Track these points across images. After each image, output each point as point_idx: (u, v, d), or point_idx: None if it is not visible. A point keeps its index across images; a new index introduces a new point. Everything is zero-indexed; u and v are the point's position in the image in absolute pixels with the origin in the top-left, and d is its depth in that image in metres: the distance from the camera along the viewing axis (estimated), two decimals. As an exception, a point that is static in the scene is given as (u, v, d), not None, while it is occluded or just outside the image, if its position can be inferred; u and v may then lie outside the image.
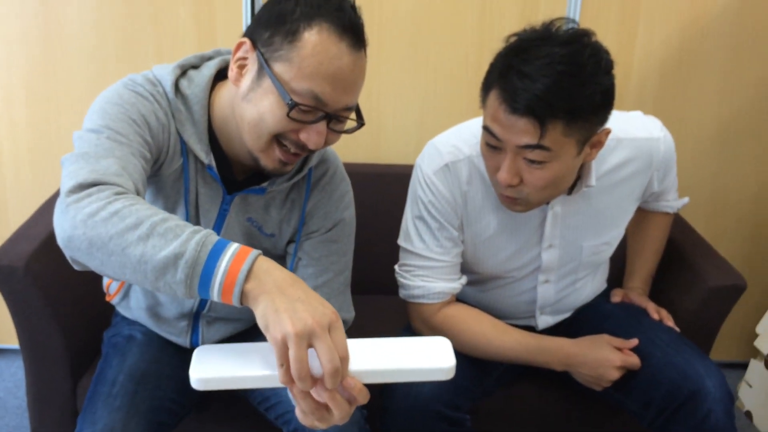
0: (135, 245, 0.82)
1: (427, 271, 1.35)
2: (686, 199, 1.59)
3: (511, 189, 1.21)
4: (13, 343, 2.18)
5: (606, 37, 1.97)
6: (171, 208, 1.15)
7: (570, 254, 1.41)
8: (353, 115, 1.09)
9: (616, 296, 1.56)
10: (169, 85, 1.08)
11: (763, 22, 2.00)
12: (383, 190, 1.78)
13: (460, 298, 1.47)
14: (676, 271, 1.62)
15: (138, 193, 0.94)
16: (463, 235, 1.38)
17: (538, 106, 1.10)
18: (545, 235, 1.38)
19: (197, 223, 1.17)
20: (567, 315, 1.56)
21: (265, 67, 1.01)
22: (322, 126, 1.02)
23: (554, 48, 1.11)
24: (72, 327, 1.48)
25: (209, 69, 1.11)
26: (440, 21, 1.96)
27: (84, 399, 1.43)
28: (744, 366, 2.15)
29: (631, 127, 1.37)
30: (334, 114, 1.03)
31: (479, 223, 1.37)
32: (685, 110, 2.07)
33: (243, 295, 0.81)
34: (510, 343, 1.36)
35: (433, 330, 1.37)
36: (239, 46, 1.05)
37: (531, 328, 1.50)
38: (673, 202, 1.56)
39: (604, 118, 1.18)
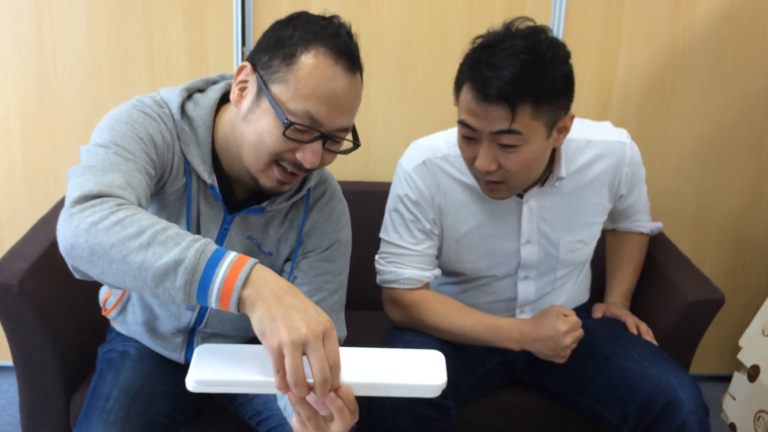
0: (136, 253, 0.85)
1: (399, 258, 1.46)
2: (659, 224, 1.69)
3: (491, 174, 1.31)
4: (6, 360, 2.19)
5: (589, 56, 2.02)
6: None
7: (548, 250, 1.48)
8: (349, 136, 1.13)
9: (598, 311, 1.60)
10: (175, 107, 1.12)
11: (743, 41, 2.04)
12: (371, 208, 1.81)
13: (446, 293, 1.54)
14: (656, 286, 1.65)
15: (141, 206, 0.97)
16: (439, 230, 1.47)
17: (507, 92, 1.21)
18: (522, 230, 1.46)
19: None
20: None
21: (263, 88, 1.06)
22: (317, 146, 1.06)
23: (516, 41, 1.23)
24: (66, 344, 1.50)
25: (214, 92, 1.16)
26: (427, 42, 2.00)
27: (77, 415, 1.45)
28: (728, 379, 2.17)
29: (600, 131, 1.49)
30: (330, 134, 1.07)
31: (456, 217, 1.46)
32: (668, 128, 2.11)
33: (240, 301, 0.84)
34: (471, 323, 1.42)
35: (402, 311, 1.46)
36: (241, 69, 1.10)
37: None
38: (646, 224, 1.66)
39: (567, 103, 1.30)
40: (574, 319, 1.36)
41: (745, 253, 2.25)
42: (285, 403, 1.15)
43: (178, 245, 0.85)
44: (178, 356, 1.32)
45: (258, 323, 0.82)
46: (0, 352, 2.19)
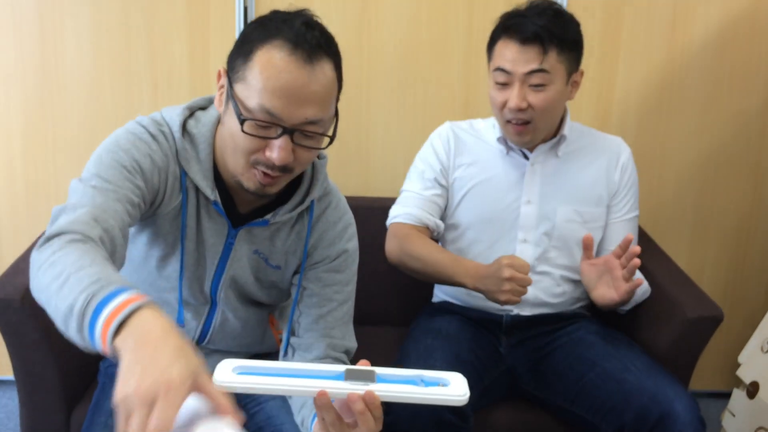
0: (55, 295, 0.84)
1: (407, 200, 1.67)
2: (645, 289, 1.64)
3: (521, 113, 1.51)
4: (7, 374, 2.19)
5: (587, 73, 2.03)
6: (171, 245, 1.19)
7: (546, 214, 1.63)
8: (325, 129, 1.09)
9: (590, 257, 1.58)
10: (177, 125, 1.14)
11: (740, 60, 2.07)
12: (371, 223, 1.82)
13: None
14: (654, 302, 1.65)
15: (111, 236, 0.98)
16: (450, 181, 1.67)
17: (542, 33, 1.47)
18: (524, 188, 1.63)
19: (201, 257, 1.20)
20: (543, 310, 1.64)
21: (227, 88, 1.08)
22: (284, 141, 1.05)
23: (542, 4, 1.53)
24: (67, 358, 1.50)
25: (216, 110, 1.17)
26: (427, 61, 2.02)
27: (78, 430, 1.46)
28: (727, 395, 2.18)
29: (603, 133, 1.72)
30: (295, 128, 1.05)
31: (470, 170, 1.66)
32: (666, 145, 2.13)
33: (115, 350, 0.77)
34: (444, 257, 1.57)
35: (396, 241, 1.63)
36: (219, 74, 1.12)
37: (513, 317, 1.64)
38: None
39: (579, 57, 1.56)
40: (520, 261, 1.44)
41: (744, 269, 2.25)
42: (302, 418, 1.15)
43: (75, 289, 0.82)
44: None
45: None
46: (1, 365, 2.19)
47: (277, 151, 1.05)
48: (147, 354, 0.74)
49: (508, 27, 1.52)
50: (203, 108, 1.20)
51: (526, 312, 1.64)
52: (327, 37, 1.08)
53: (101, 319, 0.79)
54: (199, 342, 1.30)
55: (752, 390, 2.02)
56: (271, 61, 1.03)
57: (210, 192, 1.15)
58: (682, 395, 1.35)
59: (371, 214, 1.89)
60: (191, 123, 1.16)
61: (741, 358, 2.11)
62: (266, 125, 1.05)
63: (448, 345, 1.53)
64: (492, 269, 1.47)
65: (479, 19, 1.99)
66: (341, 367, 0.87)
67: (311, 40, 1.04)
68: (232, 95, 1.06)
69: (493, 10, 1.65)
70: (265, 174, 1.08)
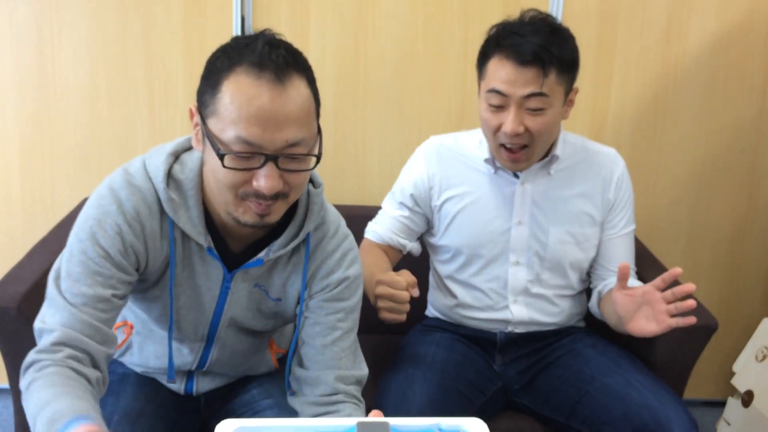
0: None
1: (378, 217, 1.67)
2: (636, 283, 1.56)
3: (517, 137, 1.42)
4: (2, 382, 2.18)
5: (582, 84, 2.05)
6: (159, 296, 1.17)
7: (537, 235, 1.56)
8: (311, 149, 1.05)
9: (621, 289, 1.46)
10: (161, 177, 1.09)
11: (734, 71, 2.08)
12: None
13: (446, 284, 1.66)
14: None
15: (82, 347, 1.02)
16: (430, 205, 1.60)
17: (541, 53, 1.37)
18: (515, 210, 1.56)
19: (195, 302, 1.18)
20: (540, 328, 1.62)
21: (201, 125, 1.04)
22: (269, 169, 1.00)
23: (535, 20, 1.43)
24: (62, 367, 1.50)
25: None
26: (424, 68, 2.03)
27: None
28: (722, 404, 2.18)
29: (596, 146, 1.63)
30: (278, 154, 1.01)
31: (458, 190, 1.58)
32: (661, 156, 2.14)
33: None
34: (365, 271, 1.39)
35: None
36: (191, 112, 1.07)
37: (506, 321, 1.61)
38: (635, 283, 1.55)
39: (575, 75, 1.47)
40: (394, 277, 1.35)
41: (738, 279, 2.26)
42: None
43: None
44: (178, 387, 1.32)
45: None
46: (-5, 374, 2.19)
47: (263, 180, 1.00)
48: None
49: (503, 45, 1.41)
50: (189, 148, 1.15)
51: (521, 329, 1.62)
52: (293, 54, 1.03)
53: None
54: (199, 368, 1.30)
55: (747, 399, 2.03)
56: (240, 89, 0.99)
57: (203, 239, 1.12)
58: (683, 418, 1.33)
59: (367, 222, 1.89)
60: (177, 169, 1.11)
61: (736, 367, 2.12)
62: (247, 156, 1.00)
63: (432, 373, 1.47)
64: (370, 286, 1.40)
65: (475, 31, 2.00)
66: (352, 421, 0.84)
67: (277, 60, 0.99)
68: (206, 132, 1.02)
69: (488, 22, 1.63)
70: (259, 203, 1.04)
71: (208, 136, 1.02)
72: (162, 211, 1.10)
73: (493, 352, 1.63)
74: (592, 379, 1.47)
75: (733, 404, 2.09)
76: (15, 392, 1.50)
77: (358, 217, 1.90)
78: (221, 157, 1.00)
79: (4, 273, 1.54)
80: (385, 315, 1.36)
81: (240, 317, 1.22)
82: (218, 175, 1.03)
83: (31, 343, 1.42)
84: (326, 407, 1.15)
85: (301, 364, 1.19)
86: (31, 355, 1.02)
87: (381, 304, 1.36)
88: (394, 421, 0.84)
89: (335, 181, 2.09)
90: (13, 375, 1.48)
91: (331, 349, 1.17)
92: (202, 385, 1.33)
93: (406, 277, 1.35)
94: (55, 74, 1.98)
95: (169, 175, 1.10)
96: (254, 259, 1.14)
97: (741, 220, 2.21)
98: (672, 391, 1.42)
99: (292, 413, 1.29)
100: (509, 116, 1.41)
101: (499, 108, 1.43)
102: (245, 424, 0.82)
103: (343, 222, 1.23)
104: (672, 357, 1.56)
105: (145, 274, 1.14)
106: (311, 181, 1.18)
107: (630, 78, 2.07)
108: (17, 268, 1.53)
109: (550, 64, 1.38)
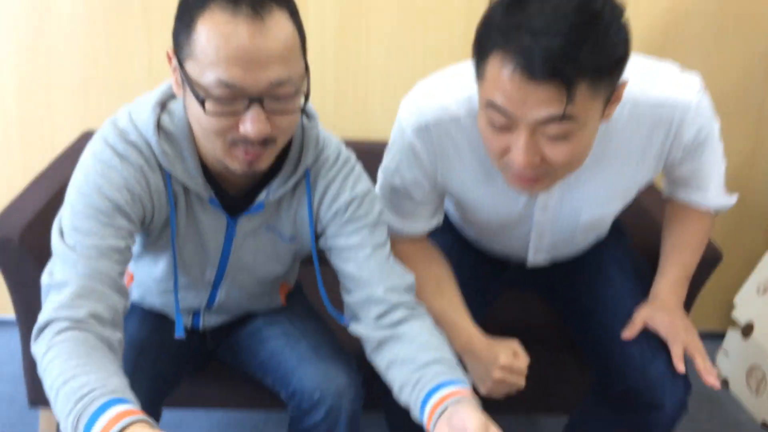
0: (53, 406, 0.88)
1: (397, 211, 1.30)
2: (731, 200, 1.37)
3: (531, 170, 1.03)
4: (7, 313, 2.20)
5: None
6: (163, 247, 1.15)
7: (565, 219, 1.30)
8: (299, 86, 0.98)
9: (637, 322, 1.31)
10: (150, 130, 1.04)
11: (743, 9, 2.03)
12: (370, 167, 1.80)
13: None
14: (653, 243, 1.65)
15: (104, 300, 0.97)
16: (437, 182, 1.26)
17: (563, 66, 0.91)
18: (539, 197, 1.25)
19: (199, 248, 1.16)
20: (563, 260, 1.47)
21: (178, 69, 0.97)
22: (254, 113, 0.94)
23: (560, 1, 0.93)
24: (67, 297, 1.51)
25: None
26: (428, -4, 1.98)
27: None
28: (721, 336, 2.21)
29: (655, 87, 1.16)
30: (262, 95, 0.94)
31: (461, 180, 1.25)
32: (668, 86, 2.10)
33: None
34: (435, 306, 1.23)
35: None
36: (169, 56, 1.01)
37: (522, 266, 1.46)
38: (712, 198, 1.33)
39: (623, 69, 1.01)
40: (519, 364, 1.19)
41: (743, 213, 2.26)
42: (407, 400, 1.06)
43: (64, 409, 0.85)
44: (183, 323, 1.33)
45: None
46: (2, 305, 2.21)
47: (250, 124, 0.94)
48: None
49: (508, 43, 0.95)
50: (175, 95, 1.08)
51: (546, 262, 1.46)
52: None
53: None
54: (208, 306, 1.29)
55: (747, 330, 2.05)
56: (215, 27, 0.91)
57: (203, 191, 1.08)
58: (677, 392, 1.28)
59: (370, 157, 1.86)
60: (165, 119, 1.05)
61: (737, 300, 2.13)
62: (229, 100, 0.93)
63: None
64: (485, 356, 1.20)
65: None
66: None
67: None
68: (184, 76, 0.95)
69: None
70: (247, 152, 0.98)
71: (187, 80, 0.95)
72: (159, 166, 1.06)
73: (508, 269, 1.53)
74: (604, 310, 1.39)
75: (732, 335, 2.11)
76: (21, 321, 1.52)
77: (360, 152, 1.87)
78: (202, 102, 0.94)
79: (4, 205, 1.53)
80: (490, 390, 1.21)
81: (250, 264, 1.20)
82: (201, 122, 0.97)
83: (35, 273, 1.43)
84: (391, 330, 1.11)
85: (347, 292, 1.16)
86: (49, 313, 0.94)
87: (492, 385, 1.20)
88: None
89: (336, 114, 2.06)
90: (20, 306, 1.49)
91: (368, 267, 1.13)
92: (209, 321, 1.33)
93: (522, 360, 1.20)
94: (51, 4, 1.93)
95: (159, 127, 1.05)
96: (255, 203, 1.12)
97: (748, 153, 2.19)
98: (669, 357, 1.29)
99: (298, 341, 1.30)
100: (520, 143, 0.99)
101: (504, 129, 1.01)
102: None
103: (342, 148, 1.18)
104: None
105: (150, 228, 1.12)
106: (305, 113, 1.13)
107: (639, 11, 2.01)
108: (18, 200, 1.52)
109: (577, 78, 0.92)
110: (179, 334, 1.16)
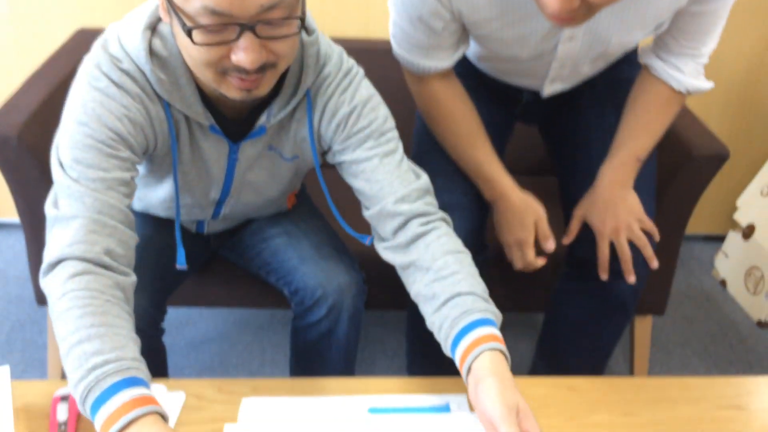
0: (64, 360, 0.85)
1: (417, 52, 1.27)
2: (709, 84, 1.34)
3: (566, 14, 1.01)
4: (10, 216, 2.22)
5: None
6: (163, 178, 1.13)
7: (593, 46, 1.25)
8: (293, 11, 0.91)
9: (572, 228, 1.36)
10: (143, 56, 0.97)
11: None
12: (372, 66, 1.76)
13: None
14: (660, 140, 1.63)
15: (116, 235, 0.94)
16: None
17: None
18: (564, 31, 1.21)
19: (202, 172, 1.12)
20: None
21: None
22: (247, 41, 0.88)
23: None
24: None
25: None
26: None
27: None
28: (721, 239, 2.22)
29: None
30: (254, 22, 0.87)
31: (481, 18, 1.20)
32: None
33: None
34: (470, 161, 1.30)
35: (415, 96, 1.33)
36: None
37: (536, 92, 1.42)
38: (689, 80, 1.31)
39: None
40: (535, 264, 1.29)
41: (749, 116, 2.23)
42: (440, 324, 1.02)
43: (76, 373, 0.83)
44: (187, 228, 1.33)
45: None
46: (6, 209, 2.21)
47: (243, 54, 0.88)
48: None
49: None
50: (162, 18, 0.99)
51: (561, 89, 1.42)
52: None
53: (98, 422, 0.81)
54: (213, 217, 1.28)
55: (748, 232, 2.06)
56: None
57: (203, 118, 1.03)
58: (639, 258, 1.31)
59: (371, 57, 1.82)
60: (157, 44, 0.98)
61: (740, 202, 2.13)
62: (218, 29, 0.87)
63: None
64: (514, 214, 1.29)
65: None
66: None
67: None
68: (170, 3, 0.88)
69: None
70: (243, 79, 0.92)
71: (172, 8, 0.88)
72: (157, 95, 1.01)
73: (513, 110, 1.51)
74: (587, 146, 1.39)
75: (733, 237, 2.13)
76: (24, 223, 1.52)
77: (361, 51, 1.83)
78: (188, 32, 0.87)
79: (1, 105, 1.50)
80: (508, 251, 1.31)
81: (254, 184, 1.18)
82: (191, 53, 0.91)
83: (35, 171, 1.43)
84: (407, 251, 1.07)
85: (365, 209, 1.13)
86: (61, 249, 0.90)
87: (518, 255, 1.30)
88: None
89: (336, 12, 2.00)
90: (22, 206, 1.49)
91: (377, 180, 1.08)
92: (213, 227, 1.33)
93: (550, 243, 1.27)
94: None
95: (152, 54, 0.98)
96: (256, 128, 1.08)
97: (759, 53, 2.14)
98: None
99: (300, 240, 1.30)
100: None
101: None
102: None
103: (344, 58, 1.11)
104: (680, 187, 1.55)
105: (153, 155, 1.08)
106: (304, 28, 1.05)
107: None
108: (15, 98, 1.49)
109: None
110: (180, 263, 1.15)
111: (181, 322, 1.97)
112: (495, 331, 0.95)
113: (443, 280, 1.01)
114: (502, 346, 0.93)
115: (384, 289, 1.41)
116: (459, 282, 1.00)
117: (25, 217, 1.51)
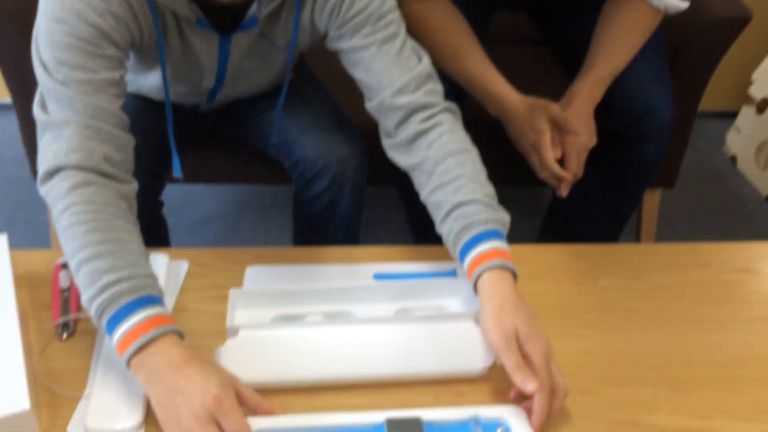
0: (75, 275, 0.83)
1: None
2: (685, 3, 1.22)
3: None
4: (2, 98, 2.16)
5: None
6: (155, 63, 1.07)
7: None
8: None
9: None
10: None
11: None
12: None
13: None
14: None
15: (113, 140, 0.89)
16: None
17: None
18: None
19: (192, 65, 1.07)
20: None
21: None
22: None
23: None
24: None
25: None
26: None
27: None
28: (733, 116, 2.17)
29: None
30: None
31: None
32: None
33: (130, 366, 0.79)
34: (462, 74, 1.22)
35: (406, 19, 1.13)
36: None
37: None
38: None
39: None
40: (576, 159, 1.19)
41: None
42: (448, 232, 0.98)
43: (89, 291, 0.80)
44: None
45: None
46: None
47: None
48: (179, 384, 0.76)
49: None
50: None
51: None
52: None
53: (115, 338, 0.79)
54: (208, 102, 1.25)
55: (762, 106, 2.01)
56: None
57: (189, 12, 0.97)
58: (669, 103, 1.26)
59: None
60: None
61: (755, 76, 2.07)
62: None
63: None
64: (519, 122, 1.19)
65: None
66: (381, 416, 0.78)
67: None
68: None
69: None
70: None
71: None
72: None
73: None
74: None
75: (746, 111, 2.08)
76: (16, 102, 1.48)
77: None
78: None
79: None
80: (530, 156, 1.22)
81: (248, 72, 1.14)
82: None
83: (22, 41, 1.36)
84: (413, 151, 1.02)
85: (367, 100, 1.07)
86: (58, 157, 0.86)
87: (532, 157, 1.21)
88: (427, 414, 0.78)
89: None
90: (11, 82, 1.45)
91: (375, 69, 1.02)
92: (209, 107, 1.30)
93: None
94: None
95: None
96: (246, 19, 1.02)
97: None
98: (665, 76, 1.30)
99: (299, 111, 1.26)
100: None
101: None
102: (267, 425, 0.77)
103: None
104: (699, 51, 1.49)
105: (140, 48, 1.02)
106: None
107: None
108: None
109: None
110: (176, 172, 1.11)
111: (183, 202, 1.95)
112: (498, 245, 0.91)
113: (445, 187, 0.97)
114: (504, 261, 0.89)
115: (387, 163, 1.38)
116: (460, 189, 0.96)
117: (16, 95, 1.47)
